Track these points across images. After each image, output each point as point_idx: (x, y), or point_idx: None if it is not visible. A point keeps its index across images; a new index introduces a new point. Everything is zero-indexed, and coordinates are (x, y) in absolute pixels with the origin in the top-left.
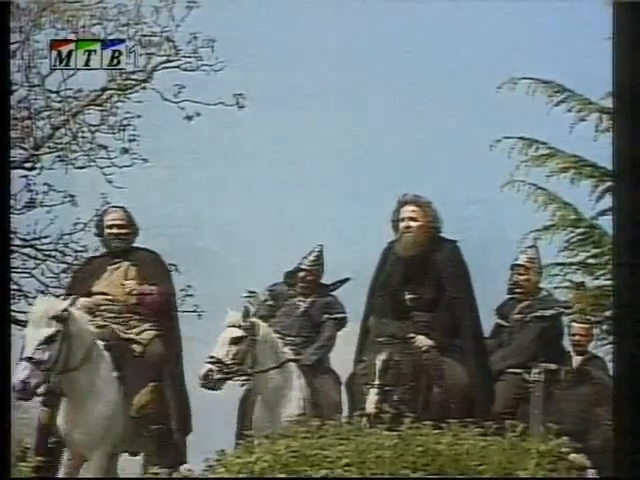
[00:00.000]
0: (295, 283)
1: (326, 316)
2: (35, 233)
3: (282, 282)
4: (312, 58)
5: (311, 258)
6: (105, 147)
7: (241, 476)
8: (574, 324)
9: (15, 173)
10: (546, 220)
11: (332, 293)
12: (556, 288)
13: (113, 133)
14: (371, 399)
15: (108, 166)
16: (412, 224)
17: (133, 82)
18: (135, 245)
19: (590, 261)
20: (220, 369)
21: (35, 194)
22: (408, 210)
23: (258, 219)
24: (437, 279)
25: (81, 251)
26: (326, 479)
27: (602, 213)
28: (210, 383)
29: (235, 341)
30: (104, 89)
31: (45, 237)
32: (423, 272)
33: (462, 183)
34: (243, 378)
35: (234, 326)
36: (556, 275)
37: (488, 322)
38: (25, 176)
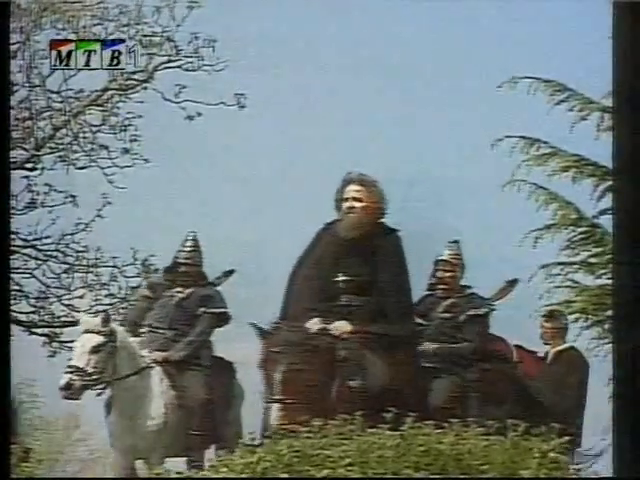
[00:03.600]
0: (174, 279)
1: (202, 309)
2: (36, 233)
3: (161, 276)
4: (314, 58)
5: (187, 249)
6: (106, 147)
7: (244, 476)
8: (542, 321)
9: (16, 173)
10: (548, 219)
11: (215, 287)
12: (558, 287)
13: (114, 133)
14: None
15: (109, 166)
16: (356, 205)
17: (134, 82)
18: None
19: (591, 260)
20: (81, 377)
21: (36, 194)
22: (352, 189)
23: (259, 219)
24: (375, 263)
25: (82, 251)
26: (328, 479)
27: (603, 212)
28: (72, 393)
29: (96, 349)
30: (105, 89)
31: (46, 237)
32: (362, 255)
33: (463, 183)
34: (102, 386)
35: (92, 332)
36: (557, 275)
37: None
38: (26, 176)
